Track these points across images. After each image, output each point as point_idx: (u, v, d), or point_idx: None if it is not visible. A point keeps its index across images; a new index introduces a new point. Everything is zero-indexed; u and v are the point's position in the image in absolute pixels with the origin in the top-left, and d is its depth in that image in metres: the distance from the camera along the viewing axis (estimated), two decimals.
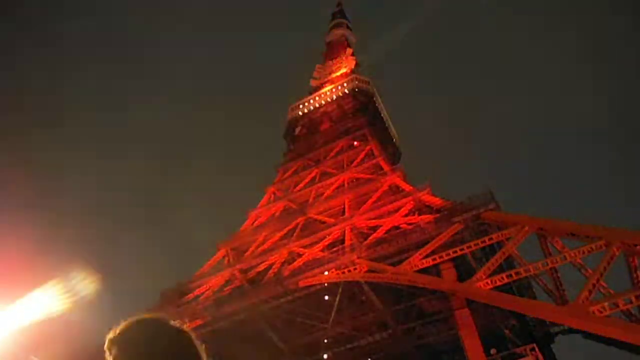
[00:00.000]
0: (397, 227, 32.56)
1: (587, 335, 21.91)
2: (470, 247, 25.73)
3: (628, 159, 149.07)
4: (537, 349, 23.07)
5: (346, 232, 33.91)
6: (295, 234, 38.16)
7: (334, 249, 32.04)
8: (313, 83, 74.25)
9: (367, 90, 64.94)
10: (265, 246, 38.77)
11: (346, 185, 43.53)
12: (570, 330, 25.31)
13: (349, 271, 28.29)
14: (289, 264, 33.30)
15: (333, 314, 30.63)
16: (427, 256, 26.15)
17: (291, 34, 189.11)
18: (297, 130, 65.31)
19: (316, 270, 29.69)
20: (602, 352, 23.72)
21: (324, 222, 38.21)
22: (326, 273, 29.18)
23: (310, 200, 44.17)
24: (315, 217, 40.25)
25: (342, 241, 32.82)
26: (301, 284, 29.44)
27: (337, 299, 30.13)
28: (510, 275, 22.17)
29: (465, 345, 23.78)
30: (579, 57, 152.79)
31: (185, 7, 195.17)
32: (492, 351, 24.05)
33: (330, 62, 77.56)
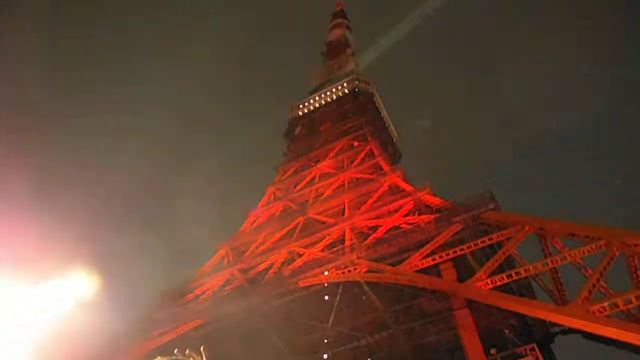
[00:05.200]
0: (397, 227, 32.54)
1: (587, 335, 21.88)
2: (470, 247, 25.71)
3: (628, 159, 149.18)
4: (537, 349, 23.07)
5: (346, 232, 33.91)
6: (295, 234, 38.15)
7: (334, 249, 32.03)
8: (313, 83, 74.34)
9: (367, 90, 65.02)
10: (265, 246, 38.77)
11: (346, 185, 43.54)
12: (570, 330, 25.29)
13: (349, 271, 28.28)
14: (289, 264, 33.31)
15: (333, 314, 30.62)
16: (427, 256, 26.14)
17: (291, 34, 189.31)
18: (297, 130, 65.37)
19: (316, 270, 29.68)
20: (602, 352, 23.74)
21: (324, 222, 38.21)
22: (326, 273, 29.16)
23: (310, 200, 44.18)
24: (315, 217, 40.25)
25: (342, 241, 32.81)
26: (301, 284, 29.43)
27: (337, 299, 30.12)
28: (510, 275, 22.14)
29: (465, 345, 23.79)
30: (580, 57, 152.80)
31: (185, 7, 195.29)
32: (492, 351, 24.01)
33: (330, 62, 77.61)
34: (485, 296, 21.88)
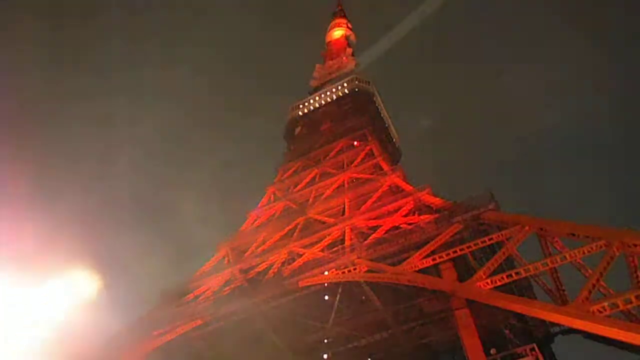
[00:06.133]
0: (397, 227, 32.52)
1: (587, 335, 21.87)
2: (470, 247, 25.69)
3: (628, 158, 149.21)
4: (537, 349, 23.03)
5: (346, 232, 33.91)
6: (295, 234, 38.16)
7: (334, 249, 32.02)
8: (313, 83, 74.38)
9: (367, 90, 65.01)
10: (265, 246, 38.78)
11: (346, 185, 43.54)
12: (570, 330, 25.30)
13: (349, 271, 28.27)
14: (289, 264, 33.31)
15: (333, 314, 30.62)
16: (427, 256, 26.12)
17: (291, 33, 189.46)
18: (297, 130, 65.41)
19: (316, 270, 29.68)
20: (602, 352, 23.74)
21: (324, 222, 38.20)
22: (326, 273, 29.16)
23: (310, 200, 44.19)
24: (315, 217, 40.25)
25: (342, 241, 32.81)
26: (301, 284, 29.42)
27: (337, 299, 30.13)
28: (510, 275, 22.14)
29: (465, 345, 23.75)
30: (579, 57, 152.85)
31: (185, 7, 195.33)
32: (492, 351, 23.98)
33: (330, 62, 77.66)
34: (485, 296, 21.87)
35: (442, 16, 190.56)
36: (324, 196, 43.24)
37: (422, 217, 32.05)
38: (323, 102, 66.12)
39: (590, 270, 22.40)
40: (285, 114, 67.94)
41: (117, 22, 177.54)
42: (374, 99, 64.75)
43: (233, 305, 31.00)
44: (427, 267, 25.86)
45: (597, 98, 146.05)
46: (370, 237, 31.80)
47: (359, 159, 47.36)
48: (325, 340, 32.35)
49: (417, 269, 25.68)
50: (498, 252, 24.08)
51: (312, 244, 34.78)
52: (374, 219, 34.85)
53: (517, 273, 22.25)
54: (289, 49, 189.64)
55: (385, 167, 43.95)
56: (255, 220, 46.24)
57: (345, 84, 65.94)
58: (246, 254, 39.06)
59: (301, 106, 67.43)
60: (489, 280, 22.07)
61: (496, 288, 21.95)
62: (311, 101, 67.35)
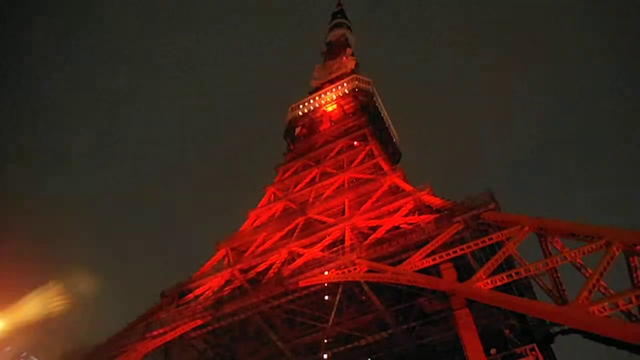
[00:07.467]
0: (397, 227, 32.51)
1: (587, 335, 21.84)
2: (470, 247, 25.65)
3: (628, 158, 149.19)
4: (537, 349, 23.01)
5: (346, 232, 33.90)
6: (295, 234, 38.14)
7: (334, 249, 31.99)
8: (313, 83, 74.40)
9: (367, 90, 65.00)
10: (265, 246, 38.76)
11: (346, 185, 43.53)
12: (570, 330, 25.25)
13: (349, 271, 28.26)
14: (289, 264, 33.30)
15: (333, 314, 30.59)
16: (427, 256, 26.10)
17: (291, 34, 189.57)
18: (297, 130, 65.44)
19: (316, 270, 29.66)
20: (602, 352, 23.71)
21: (324, 222, 38.19)
22: (326, 273, 29.15)
23: (310, 200, 44.18)
24: (315, 217, 40.24)
25: (342, 241, 32.79)
26: (301, 284, 29.42)
27: (337, 299, 30.09)
28: (510, 275, 22.11)
29: (465, 345, 23.73)
30: (580, 57, 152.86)
31: (186, 7, 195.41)
32: (492, 351, 23.96)
33: (330, 62, 77.67)
34: (485, 296, 21.84)
35: (442, 15, 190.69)
36: (324, 196, 43.23)
37: (422, 217, 32.02)
38: (323, 102, 66.12)
39: (590, 270, 22.36)
40: (285, 114, 67.96)
41: (118, 23, 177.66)
42: (374, 98, 64.74)
43: (233, 305, 30.98)
44: (427, 267, 25.82)
45: (597, 98, 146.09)
46: (370, 237, 31.79)
47: (359, 159, 47.36)
48: (325, 340, 32.34)
49: (417, 269, 25.65)
50: (498, 252, 24.04)
51: (312, 244, 34.78)
52: (374, 219, 34.83)
53: (517, 273, 22.22)
54: (289, 49, 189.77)
55: (385, 167, 43.94)
56: (255, 220, 46.24)
57: (345, 84, 65.94)
58: (246, 254, 39.05)
59: (301, 106, 67.44)
60: (489, 280, 22.04)
61: (496, 288, 21.92)
62: (311, 101, 67.35)
